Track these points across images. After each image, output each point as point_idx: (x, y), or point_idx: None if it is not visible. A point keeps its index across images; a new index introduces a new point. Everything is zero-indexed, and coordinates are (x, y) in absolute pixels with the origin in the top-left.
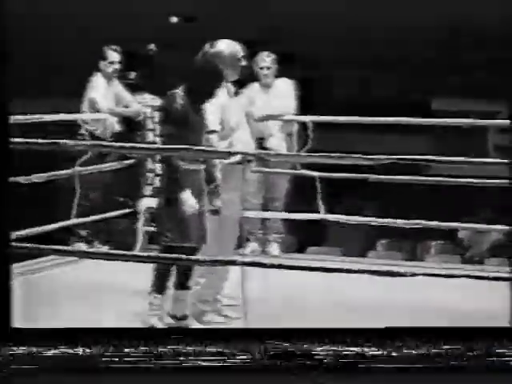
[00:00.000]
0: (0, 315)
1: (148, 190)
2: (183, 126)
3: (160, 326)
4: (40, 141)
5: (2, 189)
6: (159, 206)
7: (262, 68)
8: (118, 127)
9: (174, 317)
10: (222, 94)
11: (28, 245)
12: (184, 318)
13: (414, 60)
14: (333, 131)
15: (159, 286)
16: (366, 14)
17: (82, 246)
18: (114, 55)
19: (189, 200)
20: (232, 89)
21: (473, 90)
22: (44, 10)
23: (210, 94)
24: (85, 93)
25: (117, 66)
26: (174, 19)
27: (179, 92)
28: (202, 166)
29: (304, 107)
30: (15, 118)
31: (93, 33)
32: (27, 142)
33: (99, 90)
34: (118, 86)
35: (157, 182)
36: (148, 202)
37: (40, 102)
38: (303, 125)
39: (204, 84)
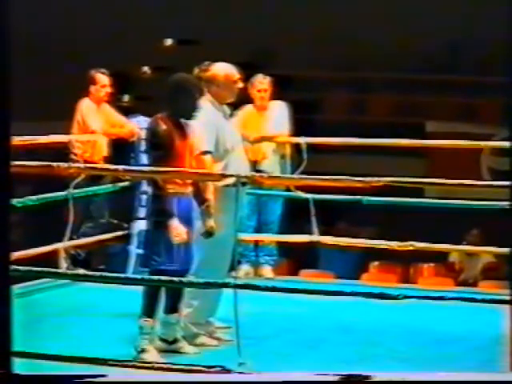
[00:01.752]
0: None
1: (141, 212)
2: (169, 149)
3: (151, 350)
4: (34, 163)
5: (3, 211)
6: (147, 229)
7: (259, 90)
8: (106, 150)
9: (164, 341)
10: (218, 116)
11: (24, 267)
12: (175, 341)
13: (408, 82)
14: (326, 154)
15: (149, 310)
16: (362, 38)
17: (79, 270)
18: (103, 79)
19: (177, 228)
20: (227, 111)
21: (468, 113)
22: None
23: (190, 114)
24: (74, 116)
25: (108, 90)
26: (169, 41)
27: (163, 116)
28: (190, 189)
29: (298, 129)
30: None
31: (87, 56)
32: (22, 165)
33: (89, 112)
34: (108, 109)
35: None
36: (141, 225)
37: (30, 125)
38: (297, 147)
39: (182, 104)
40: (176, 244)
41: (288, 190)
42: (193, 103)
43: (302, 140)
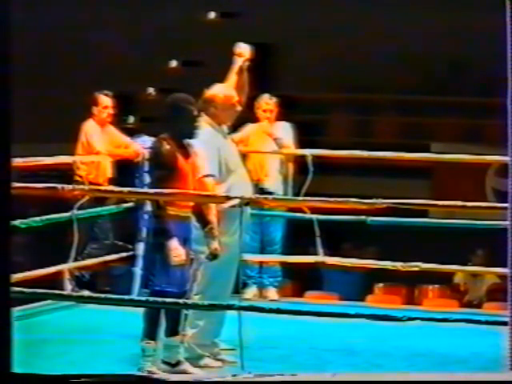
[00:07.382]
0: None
1: (145, 233)
2: (172, 169)
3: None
4: (38, 185)
5: (3, 232)
6: (146, 249)
7: (264, 111)
8: (110, 172)
9: (167, 363)
10: (218, 137)
11: (28, 289)
12: (178, 364)
13: (413, 103)
14: (330, 175)
15: (150, 332)
16: (365, 59)
17: (83, 292)
18: (106, 100)
19: (177, 249)
20: (226, 131)
21: (472, 134)
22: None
23: (189, 133)
24: (79, 138)
25: (110, 111)
26: (174, 63)
27: (166, 136)
28: (191, 211)
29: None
30: (14, 162)
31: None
32: (26, 187)
33: (93, 133)
34: (113, 130)
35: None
36: None
37: (35, 146)
38: (300, 166)
39: (180, 123)
40: (174, 265)
41: (292, 210)
42: (191, 122)
43: (308, 152)
